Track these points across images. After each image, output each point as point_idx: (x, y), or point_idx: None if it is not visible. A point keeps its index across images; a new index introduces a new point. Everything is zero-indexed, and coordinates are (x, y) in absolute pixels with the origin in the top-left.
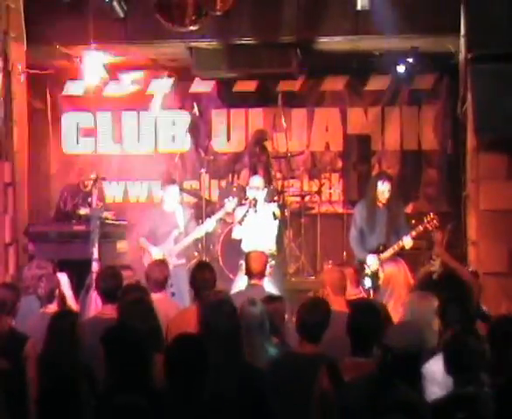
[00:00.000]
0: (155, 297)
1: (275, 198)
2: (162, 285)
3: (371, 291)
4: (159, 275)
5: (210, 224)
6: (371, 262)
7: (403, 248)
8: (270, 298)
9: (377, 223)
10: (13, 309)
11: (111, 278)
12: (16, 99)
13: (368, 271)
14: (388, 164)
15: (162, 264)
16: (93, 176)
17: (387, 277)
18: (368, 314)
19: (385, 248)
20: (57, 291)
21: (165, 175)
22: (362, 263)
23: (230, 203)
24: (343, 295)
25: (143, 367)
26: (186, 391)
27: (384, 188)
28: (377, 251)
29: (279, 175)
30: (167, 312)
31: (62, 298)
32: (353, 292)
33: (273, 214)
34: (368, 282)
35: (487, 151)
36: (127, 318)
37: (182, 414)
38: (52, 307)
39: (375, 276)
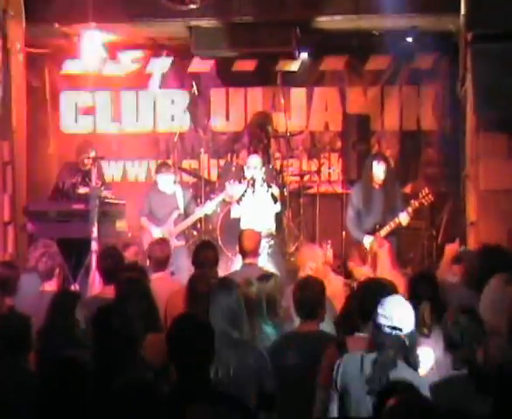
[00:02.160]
0: (157, 276)
1: (274, 179)
2: (163, 264)
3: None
4: (160, 254)
5: (209, 207)
6: (368, 242)
7: (399, 224)
8: (265, 277)
9: (374, 204)
10: (13, 288)
11: (112, 257)
12: (14, 77)
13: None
14: (387, 144)
15: (163, 242)
16: (92, 155)
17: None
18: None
19: (381, 227)
20: (57, 270)
21: (160, 163)
22: (358, 243)
23: (231, 187)
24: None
25: (130, 349)
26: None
27: (379, 169)
28: (374, 231)
29: (278, 155)
30: (169, 291)
31: (64, 279)
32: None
33: (273, 196)
34: None
35: (486, 130)
36: (123, 297)
37: (186, 394)
38: (51, 285)
39: (371, 252)
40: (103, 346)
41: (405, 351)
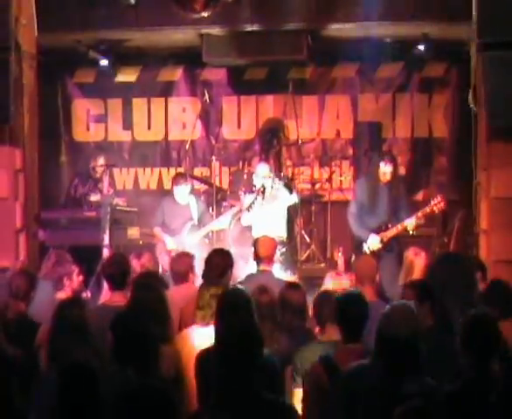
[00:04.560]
0: (177, 288)
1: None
2: (182, 276)
3: None
4: (179, 267)
5: (225, 221)
6: (372, 241)
7: (405, 229)
8: (290, 286)
9: (378, 202)
10: (27, 296)
11: (118, 264)
12: (26, 85)
13: (366, 249)
14: (399, 151)
15: (183, 256)
16: (102, 163)
17: (410, 261)
18: (358, 303)
19: (387, 227)
20: (65, 279)
21: (176, 174)
22: (360, 240)
23: (246, 199)
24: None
25: (149, 356)
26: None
27: (386, 170)
28: (379, 231)
29: (289, 163)
30: (189, 301)
31: (75, 289)
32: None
33: (287, 186)
34: None
35: (498, 139)
36: (135, 305)
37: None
38: (65, 293)
39: (373, 254)
40: (121, 352)
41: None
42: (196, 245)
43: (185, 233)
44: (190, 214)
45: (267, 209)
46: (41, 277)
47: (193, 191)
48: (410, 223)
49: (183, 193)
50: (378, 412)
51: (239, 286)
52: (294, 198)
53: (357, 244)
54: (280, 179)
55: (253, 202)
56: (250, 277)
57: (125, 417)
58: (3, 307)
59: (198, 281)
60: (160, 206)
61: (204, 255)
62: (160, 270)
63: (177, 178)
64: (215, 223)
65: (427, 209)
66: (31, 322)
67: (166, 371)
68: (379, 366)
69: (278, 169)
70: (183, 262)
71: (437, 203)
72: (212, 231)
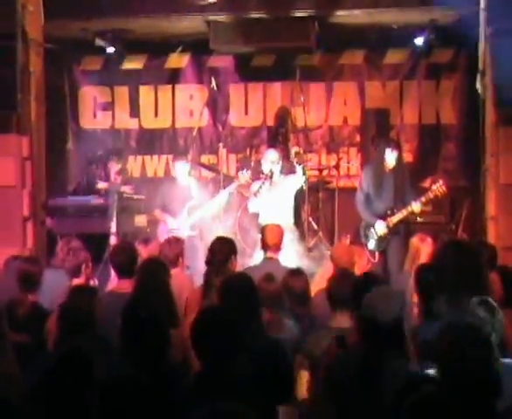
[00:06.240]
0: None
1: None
2: (173, 262)
3: (376, 254)
4: (168, 253)
5: (223, 197)
6: (379, 226)
7: (412, 213)
8: (292, 272)
9: (384, 188)
10: (36, 283)
11: (125, 252)
12: (33, 73)
13: (374, 234)
14: (406, 138)
15: (173, 242)
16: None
17: (415, 247)
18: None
19: (393, 213)
20: (84, 266)
21: (176, 152)
22: (368, 225)
23: (243, 176)
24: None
25: (162, 340)
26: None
27: (392, 156)
28: (385, 216)
29: (297, 150)
30: (180, 286)
31: (88, 276)
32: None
33: (301, 167)
34: (372, 244)
35: (506, 125)
36: (142, 292)
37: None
38: (79, 281)
39: (380, 239)
40: (132, 338)
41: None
42: (195, 226)
43: (185, 214)
44: (190, 194)
45: (275, 196)
46: (56, 264)
47: (199, 177)
48: (415, 206)
49: (181, 170)
50: (361, 397)
51: (244, 272)
52: (302, 178)
53: (364, 230)
54: (287, 168)
55: (261, 187)
56: (256, 265)
57: (107, 406)
58: (12, 296)
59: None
60: (160, 189)
61: (203, 235)
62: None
63: (175, 156)
64: (213, 200)
65: (430, 195)
66: (41, 309)
67: (173, 356)
68: (363, 350)
69: (286, 156)
70: (173, 247)
71: (438, 187)
72: (218, 216)
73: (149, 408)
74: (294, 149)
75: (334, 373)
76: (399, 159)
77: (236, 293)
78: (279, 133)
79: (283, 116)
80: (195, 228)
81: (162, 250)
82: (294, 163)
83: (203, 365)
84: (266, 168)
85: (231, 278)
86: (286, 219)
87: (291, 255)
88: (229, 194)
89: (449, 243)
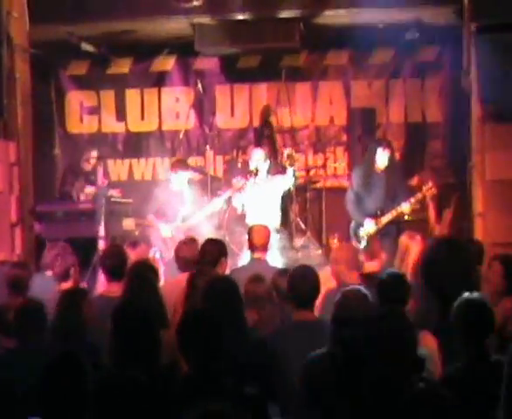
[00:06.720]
0: (183, 275)
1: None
2: (191, 263)
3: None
4: (186, 254)
5: (217, 204)
6: (368, 226)
7: (401, 214)
8: (281, 273)
9: (374, 188)
10: (25, 288)
11: (116, 256)
12: (19, 78)
13: (363, 233)
14: (393, 137)
15: (191, 242)
16: (95, 154)
17: (405, 245)
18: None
19: (383, 213)
20: (72, 271)
21: (175, 160)
22: (358, 225)
23: (237, 182)
24: (356, 270)
25: (153, 343)
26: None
27: (383, 156)
28: (375, 216)
29: (283, 150)
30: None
31: (76, 279)
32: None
33: (291, 169)
34: (364, 244)
35: (492, 121)
36: (132, 295)
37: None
38: (67, 285)
39: (370, 239)
40: (124, 341)
41: None
42: (189, 231)
43: (179, 220)
44: (183, 200)
45: (261, 195)
46: (43, 267)
47: (189, 181)
48: (405, 207)
49: (180, 180)
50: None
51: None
52: (291, 180)
53: (354, 231)
54: (274, 168)
55: (245, 183)
56: (244, 266)
57: (100, 408)
58: (1, 301)
59: None
60: (154, 194)
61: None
62: (158, 256)
63: (176, 165)
64: (206, 208)
65: (419, 196)
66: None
67: (164, 358)
68: (337, 351)
69: (273, 156)
70: (190, 248)
71: (428, 189)
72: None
73: (148, 408)
74: (286, 151)
75: (309, 373)
76: (392, 158)
77: (219, 295)
78: (264, 132)
79: (266, 114)
80: (189, 234)
81: (180, 250)
82: (286, 165)
83: (188, 366)
84: (252, 166)
85: (215, 281)
86: (273, 219)
87: (277, 254)
88: (223, 201)
89: (438, 240)
